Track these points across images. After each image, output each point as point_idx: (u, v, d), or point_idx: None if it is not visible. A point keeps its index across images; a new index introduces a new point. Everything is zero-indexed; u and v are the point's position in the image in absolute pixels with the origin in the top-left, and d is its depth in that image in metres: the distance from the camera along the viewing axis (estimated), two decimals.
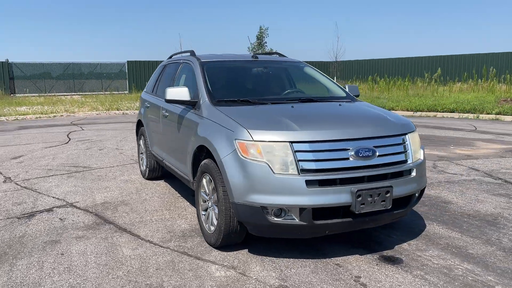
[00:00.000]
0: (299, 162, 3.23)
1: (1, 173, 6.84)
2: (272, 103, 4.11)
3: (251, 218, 3.31)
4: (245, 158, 3.27)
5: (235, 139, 3.37)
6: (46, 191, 5.70)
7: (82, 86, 28.55)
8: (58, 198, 5.38)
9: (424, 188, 3.82)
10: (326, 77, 5.03)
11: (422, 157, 3.77)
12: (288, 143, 3.24)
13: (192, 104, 4.25)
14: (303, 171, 3.21)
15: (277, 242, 3.79)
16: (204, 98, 4.14)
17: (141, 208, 4.92)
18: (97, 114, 17.30)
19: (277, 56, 5.64)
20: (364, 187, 3.28)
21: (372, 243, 3.83)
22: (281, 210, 3.26)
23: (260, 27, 29.56)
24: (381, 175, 3.40)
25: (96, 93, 27.79)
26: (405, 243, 3.81)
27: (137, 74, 29.17)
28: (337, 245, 3.77)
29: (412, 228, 4.19)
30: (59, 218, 4.62)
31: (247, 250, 3.68)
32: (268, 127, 3.40)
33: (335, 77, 29.57)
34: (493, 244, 3.76)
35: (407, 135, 3.69)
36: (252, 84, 4.87)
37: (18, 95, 26.14)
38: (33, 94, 26.06)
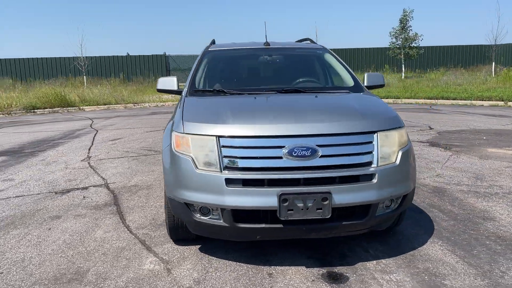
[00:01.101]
0: (224, 159, 2.96)
1: (88, 153, 7.76)
2: (249, 94, 3.83)
3: (181, 215, 3.18)
4: (176, 151, 3.14)
5: (172, 131, 3.25)
6: (102, 171, 6.29)
7: None
8: (103, 178, 5.90)
9: (403, 198, 3.18)
10: (343, 65, 4.48)
11: (398, 161, 3.12)
12: (215, 137, 3.00)
13: (178, 93, 4.22)
14: (227, 168, 2.94)
15: (243, 243, 3.54)
16: (186, 87, 4.08)
17: (156, 193, 5.10)
18: None
19: (309, 42, 5.22)
20: (292, 191, 2.86)
21: (334, 255, 3.34)
22: (208, 209, 3.06)
23: (404, 10, 27.56)
24: (322, 178, 2.92)
25: None
26: (373, 261, 3.23)
27: None
28: (291, 252, 3.39)
29: (405, 244, 3.53)
30: (83, 196, 5.07)
31: (199, 247, 3.54)
32: (202, 119, 3.19)
33: (493, 63, 26.00)
34: (490, 278, 2.95)
35: (376, 134, 3.09)
36: (250, 73, 4.61)
37: None
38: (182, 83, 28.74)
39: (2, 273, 3.19)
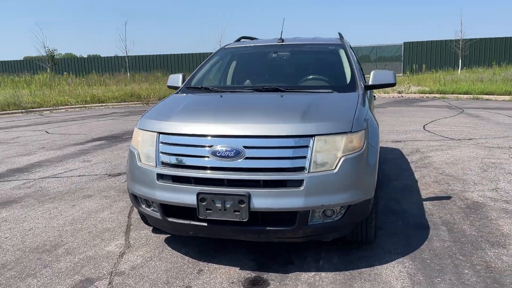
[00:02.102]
0: (160, 154, 3.11)
1: None
2: (231, 92, 3.89)
3: (134, 205, 3.42)
4: (131, 145, 3.39)
5: (136, 126, 3.50)
6: None
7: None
8: None
9: (348, 208, 2.93)
10: (350, 62, 4.17)
11: (337, 168, 2.89)
12: (155, 134, 3.17)
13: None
14: (163, 164, 3.09)
15: (210, 239, 3.59)
16: (182, 84, 4.29)
17: None
18: None
19: (337, 38, 4.97)
20: (209, 190, 2.88)
21: (279, 261, 3.22)
22: (152, 201, 3.25)
23: None
24: (243, 180, 2.87)
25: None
26: (312, 273, 3.04)
27: (413, 56, 28.00)
28: (241, 252, 3.38)
29: (366, 259, 3.22)
30: (125, 180, 5.65)
31: (167, 237, 3.73)
32: (154, 116, 3.37)
33: None
34: None
35: (312, 138, 2.90)
36: (253, 71, 4.57)
37: None
38: None
39: (7, 237, 3.82)
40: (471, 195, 4.64)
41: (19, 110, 15.86)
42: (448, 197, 4.60)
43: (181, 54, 32.81)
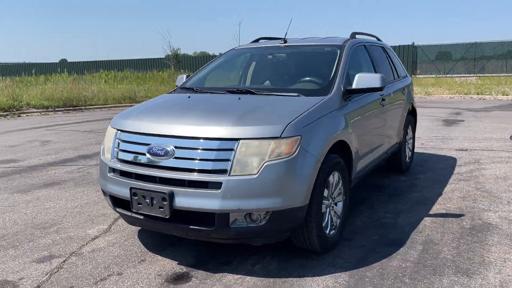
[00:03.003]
0: (114, 150, 3.41)
1: None
2: (204, 93, 4.03)
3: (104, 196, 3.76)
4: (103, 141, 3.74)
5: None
6: None
7: (483, 67, 26.87)
8: None
9: (272, 214, 2.90)
10: (339, 64, 3.98)
11: (259, 173, 2.87)
12: (115, 130, 3.47)
13: None
14: (116, 159, 3.38)
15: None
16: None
17: None
18: (470, 99, 16.64)
19: (376, 38, 4.88)
20: (140, 186, 3.08)
21: (219, 259, 3.29)
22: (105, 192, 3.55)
23: None
24: (170, 179, 3.02)
25: (496, 74, 25.59)
26: (239, 275, 3.05)
27: None
28: (186, 248, 3.52)
29: (303, 269, 3.13)
30: None
31: (140, 228, 4.01)
32: (122, 114, 3.66)
33: None
34: None
35: (238, 142, 2.93)
36: (247, 71, 4.60)
37: (419, 76, 27.63)
38: (431, 75, 26.92)
39: (26, 213, 4.46)
40: (489, 215, 4.12)
41: (131, 104, 17.63)
42: (459, 215, 4.14)
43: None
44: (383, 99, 4.49)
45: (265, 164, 2.86)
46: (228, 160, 2.89)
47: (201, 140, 2.99)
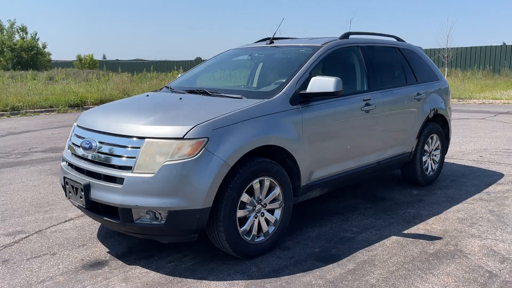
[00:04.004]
0: (68, 142, 3.76)
1: None
2: (172, 92, 4.18)
3: None
4: None
5: None
6: None
7: None
8: None
9: (171, 214, 2.96)
10: (301, 66, 3.82)
11: (157, 172, 2.95)
12: (75, 125, 3.83)
13: None
14: (67, 150, 3.74)
15: None
16: None
17: None
18: None
19: (395, 39, 4.70)
20: (69, 176, 3.38)
21: (147, 252, 3.45)
22: None
23: None
24: (89, 171, 3.26)
25: None
26: (146, 270, 3.19)
27: None
28: (133, 239, 3.73)
29: (211, 272, 3.15)
30: None
31: None
32: (86, 111, 4.00)
33: None
34: None
35: (144, 140, 3.05)
36: (221, 73, 4.62)
37: None
38: None
39: (41, 194, 5.10)
40: (470, 242, 3.62)
41: None
42: (435, 238, 3.71)
43: None
44: (367, 104, 4.17)
45: (164, 164, 2.92)
46: (134, 157, 3.01)
47: (116, 137, 3.16)
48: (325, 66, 4.09)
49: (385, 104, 4.40)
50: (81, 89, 18.04)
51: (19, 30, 53.84)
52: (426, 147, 5.15)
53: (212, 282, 2.99)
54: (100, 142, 3.24)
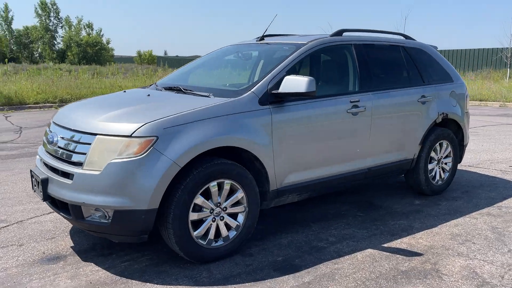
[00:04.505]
0: (44, 137, 3.82)
1: None
2: (150, 89, 4.16)
3: None
4: None
5: None
6: None
7: None
8: None
9: (116, 213, 2.91)
10: (278, 65, 3.64)
11: (103, 170, 2.91)
12: (51, 120, 3.89)
13: None
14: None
15: None
16: None
17: None
18: None
19: (403, 37, 4.56)
20: (34, 169, 3.43)
21: (109, 250, 3.44)
22: None
23: None
24: (49, 166, 3.28)
25: None
26: (97, 268, 3.17)
27: None
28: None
29: (139, 274, 3.08)
30: None
31: None
32: None
33: None
34: None
35: (95, 137, 3.02)
36: (205, 70, 4.50)
37: None
38: None
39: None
40: (451, 262, 3.30)
41: None
42: (414, 255, 3.42)
43: (455, 50, 29.52)
44: (355, 106, 3.90)
45: (111, 162, 2.87)
46: (85, 153, 2.99)
47: (73, 132, 3.15)
48: (311, 64, 3.88)
49: (379, 107, 4.10)
50: (128, 83, 18.63)
51: (85, 27, 56.92)
52: (433, 154, 4.76)
53: (156, 285, 2.91)
54: (61, 138, 3.24)
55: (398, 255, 3.39)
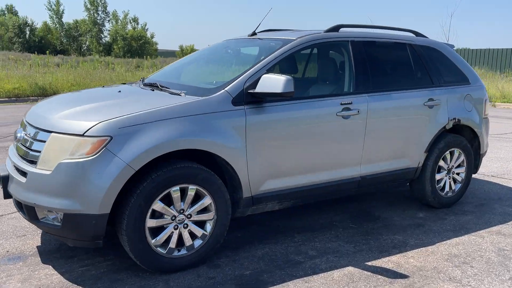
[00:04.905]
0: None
1: None
2: (130, 85, 4.00)
3: None
4: None
5: None
6: None
7: None
8: None
9: (65, 216, 2.77)
10: (259, 63, 3.37)
11: (53, 170, 2.76)
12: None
13: None
14: None
15: None
16: None
17: None
18: None
19: (413, 34, 4.39)
20: (0, 166, 3.33)
21: (76, 251, 3.31)
22: None
23: None
24: (13, 164, 3.17)
25: None
26: (62, 269, 3.04)
27: None
28: None
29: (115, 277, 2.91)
30: None
31: None
32: None
33: None
34: None
35: (50, 135, 2.87)
36: (193, 67, 4.26)
37: None
38: None
39: None
40: (438, 287, 2.94)
41: None
42: (398, 277, 3.08)
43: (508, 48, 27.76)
44: (346, 109, 3.57)
45: (61, 162, 2.72)
46: (40, 151, 2.85)
47: (33, 128, 3.02)
48: (299, 63, 3.58)
49: (376, 110, 3.74)
50: None
51: (131, 21, 58.41)
52: (442, 163, 4.34)
53: None
54: (25, 134, 3.12)
55: (379, 276, 3.06)
